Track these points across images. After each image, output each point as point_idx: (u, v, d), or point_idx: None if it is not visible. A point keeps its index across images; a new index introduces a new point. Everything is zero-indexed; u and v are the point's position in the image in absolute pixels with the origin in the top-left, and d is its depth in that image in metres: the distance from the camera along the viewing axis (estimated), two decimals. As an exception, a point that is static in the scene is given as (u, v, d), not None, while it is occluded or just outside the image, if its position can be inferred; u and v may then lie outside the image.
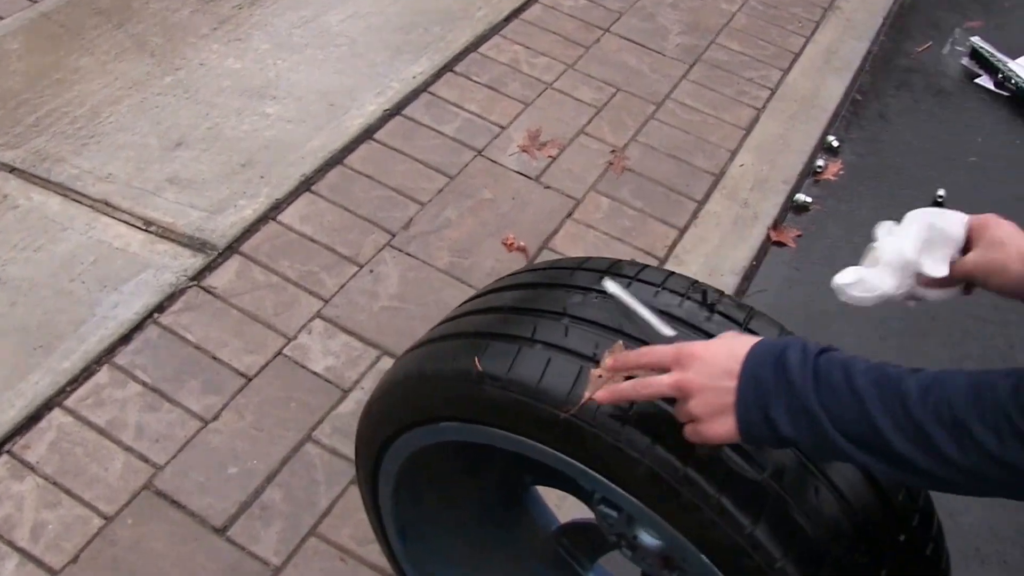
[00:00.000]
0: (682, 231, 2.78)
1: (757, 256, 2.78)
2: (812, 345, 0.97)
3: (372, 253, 2.53)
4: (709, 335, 1.23)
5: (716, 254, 2.74)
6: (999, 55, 3.55)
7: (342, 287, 2.43)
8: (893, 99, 3.56)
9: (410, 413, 1.35)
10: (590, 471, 1.17)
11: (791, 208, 2.98)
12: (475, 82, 3.12)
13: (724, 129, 3.14)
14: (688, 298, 1.27)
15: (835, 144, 3.19)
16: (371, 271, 2.48)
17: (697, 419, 1.00)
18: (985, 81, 3.55)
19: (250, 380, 2.18)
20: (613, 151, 2.97)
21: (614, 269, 1.34)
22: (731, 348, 1.00)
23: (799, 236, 2.89)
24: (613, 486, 1.16)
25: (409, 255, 2.54)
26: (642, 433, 1.12)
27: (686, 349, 1.02)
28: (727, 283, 2.67)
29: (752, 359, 0.97)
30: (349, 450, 2.05)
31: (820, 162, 3.11)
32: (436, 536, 1.69)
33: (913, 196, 3.09)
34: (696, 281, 1.31)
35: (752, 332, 1.25)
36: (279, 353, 2.25)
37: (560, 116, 3.06)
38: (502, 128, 2.98)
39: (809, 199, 2.98)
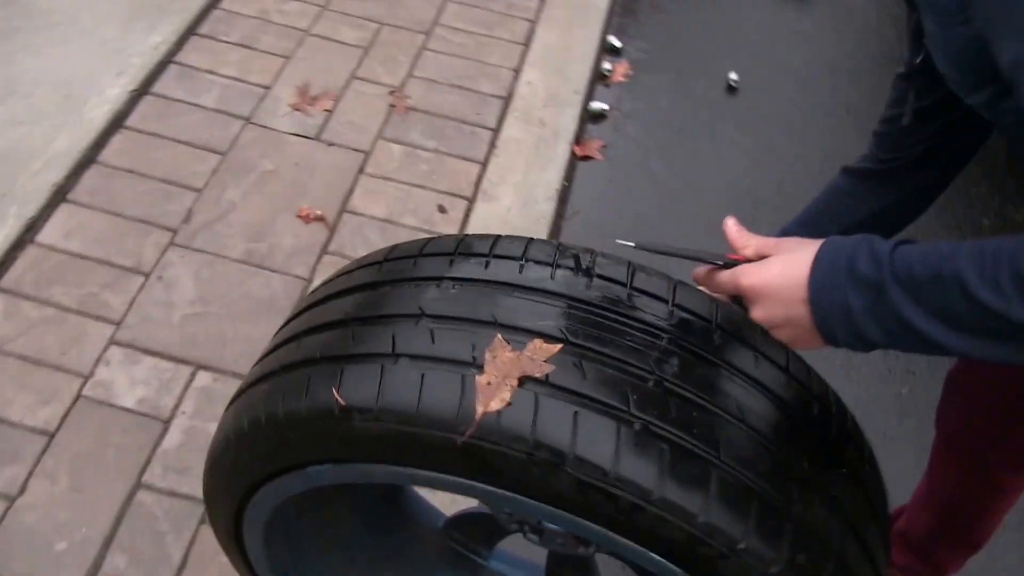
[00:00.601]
0: (484, 164, 2.65)
1: (567, 175, 2.68)
2: (880, 244, 0.88)
3: (156, 257, 2.27)
4: (595, 306, 1.10)
5: (525, 182, 2.62)
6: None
7: (132, 304, 2.17)
8: (658, -15, 3.52)
9: (267, 464, 1.17)
10: (502, 492, 1.03)
11: (588, 119, 2.88)
12: (225, 42, 2.84)
13: (502, 47, 3.00)
14: (558, 267, 1.14)
15: (617, 44, 3.12)
16: (160, 278, 2.22)
17: (788, 342, 0.98)
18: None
19: (52, 436, 1.92)
20: (392, 92, 2.78)
21: (462, 249, 1.19)
22: (790, 274, 0.94)
23: (604, 147, 2.81)
24: (533, 503, 1.02)
25: (198, 251, 2.30)
26: (556, 437, 0.99)
27: (744, 284, 0.98)
28: (543, 210, 2.56)
29: (819, 279, 0.91)
30: (189, 487, 1.83)
31: (607, 65, 3.03)
32: (321, 565, 1.52)
33: (706, 84, 3.07)
34: (560, 244, 1.18)
35: (637, 291, 1.13)
36: (79, 396, 1.98)
37: (327, 64, 2.83)
38: (267, 88, 2.73)
39: (605, 106, 2.90)
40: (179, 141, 2.54)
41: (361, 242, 2.36)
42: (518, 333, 1.06)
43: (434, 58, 2.92)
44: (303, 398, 1.09)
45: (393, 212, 2.47)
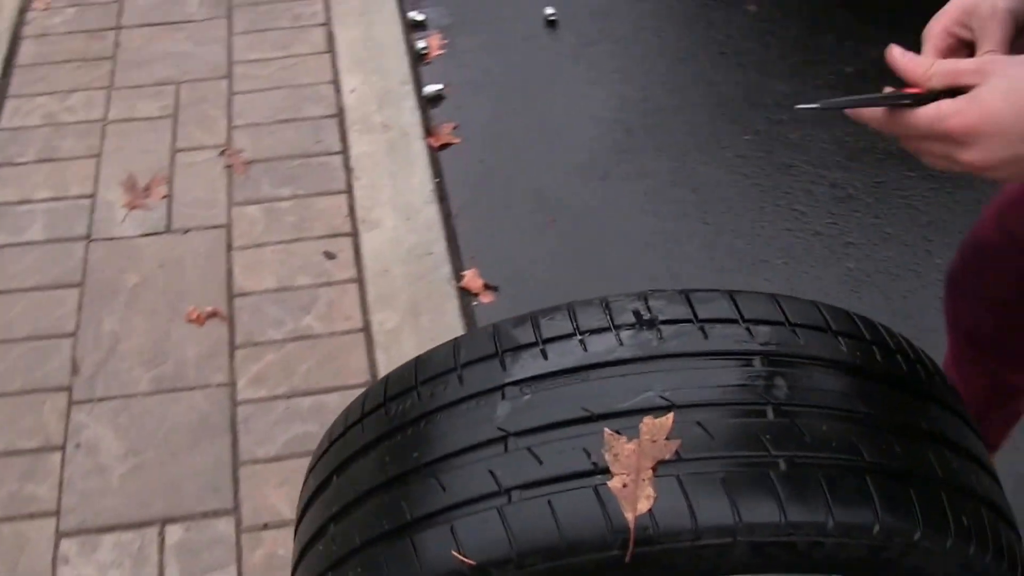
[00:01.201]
0: (348, 192, 2.52)
1: (435, 171, 2.57)
2: None
3: (63, 425, 2.06)
4: (677, 356, 1.03)
5: (398, 195, 2.50)
6: None
7: (61, 485, 1.97)
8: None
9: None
10: None
11: (427, 105, 2.76)
12: (23, 164, 2.58)
13: (309, 63, 2.84)
14: (620, 328, 1.05)
15: (420, 17, 3.00)
16: (77, 446, 2.02)
17: (986, 176, 0.82)
18: None
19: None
20: (222, 151, 2.59)
21: (505, 344, 1.08)
22: (1019, 103, 0.77)
23: (456, 127, 2.70)
24: None
25: (103, 400, 2.10)
26: (716, 514, 0.92)
27: (956, 126, 0.79)
28: (428, 216, 2.46)
29: None
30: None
31: (420, 44, 2.90)
32: None
33: (524, 27, 2.99)
34: (606, 301, 1.09)
35: (707, 321, 1.06)
36: (56, 613, 1.78)
37: (141, 147, 2.61)
38: (91, 197, 2.50)
39: (438, 85, 2.79)
40: (24, 289, 2.30)
41: (267, 322, 2.21)
42: (621, 418, 0.98)
43: (247, 100, 2.73)
44: (416, 567, 0.97)
45: (283, 278, 2.31)
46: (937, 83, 0.83)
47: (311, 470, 1.23)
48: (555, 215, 2.50)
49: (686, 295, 1.08)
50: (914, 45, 0.93)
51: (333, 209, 2.47)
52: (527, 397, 1.01)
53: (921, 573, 0.98)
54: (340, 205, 2.49)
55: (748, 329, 1.06)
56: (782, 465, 0.95)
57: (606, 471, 0.94)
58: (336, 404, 2.10)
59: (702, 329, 1.05)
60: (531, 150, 2.66)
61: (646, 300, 1.07)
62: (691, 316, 1.06)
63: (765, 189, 2.54)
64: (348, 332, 2.23)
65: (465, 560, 0.93)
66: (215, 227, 2.42)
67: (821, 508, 0.93)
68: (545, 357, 1.04)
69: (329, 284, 2.32)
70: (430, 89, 2.77)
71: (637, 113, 2.74)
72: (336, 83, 2.79)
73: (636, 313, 1.05)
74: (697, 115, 2.74)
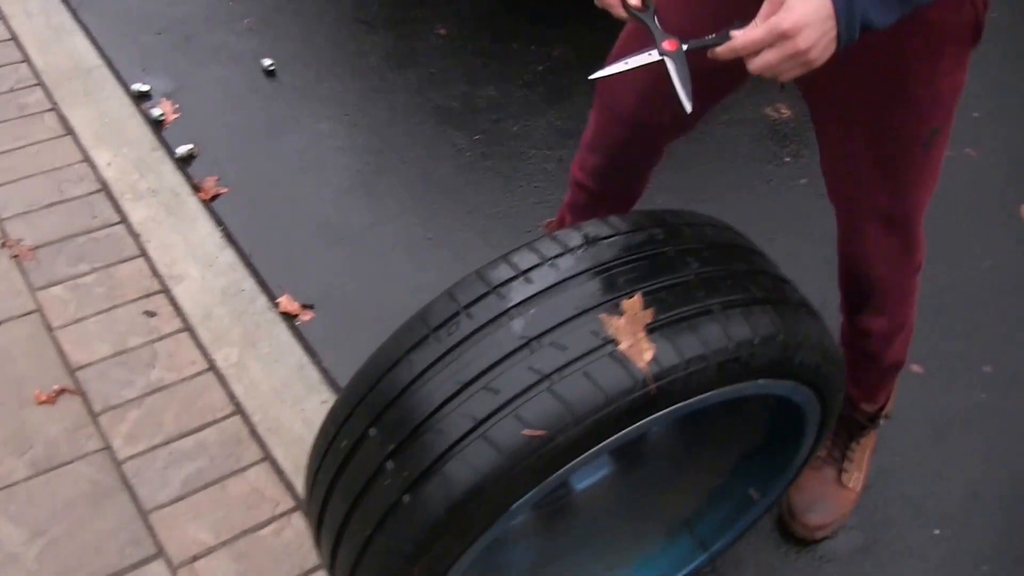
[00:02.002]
0: (144, 254, 2.68)
1: (216, 221, 2.79)
2: None
3: (-46, 527, 2.10)
4: (618, 260, 1.41)
5: (193, 249, 2.71)
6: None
7: (-20, 580, 2.02)
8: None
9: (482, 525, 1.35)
10: (683, 405, 1.34)
11: (185, 165, 2.96)
12: None
13: (53, 148, 2.95)
14: (571, 251, 1.43)
15: (144, 88, 3.16)
16: (-22, 541, 2.08)
17: (809, 61, 1.19)
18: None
19: None
20: (2, 243, 2.65)
21: (494, 282, 1.41)
22: (809, 10, 1.15)
23: (219, 179, 2.92)
24: (712, 394, 1.35)
25: (-15, 494, 2.15)
26: (692, 348, 1.32)
27: (787, 24, 1.15)
28: (227, 259, 2.70)
29: (840, 11, 1.16)
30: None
31: (155, 112, 3.08)
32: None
33: (245, 77, 3.23)
34: (556, 235, 1.45)
35: (628, 233, 1.46)
36: None
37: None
38: None
39: (189, 146, 2.98)
40: None
41: (118, 385, 2.36)
42: (606, 306, 1.35)
43: (6, 192, 2.80)
44: (496, 454, 1.29)
45: (115, 343, 2.46)
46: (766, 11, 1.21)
47: (324, 451, 1.45)
48: (338, 234, 2.82)
49: (605, 221, 1.48)
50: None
51: (136, 273, 2.63)
52: (532, 311, 1.35)
53: (807, 362, 1.44)
54: (141, 268, 2.64)
55: (651, 235, 1.47)
56: (715, 309, 1.38)
57: (614, 341, 1.31)
58: (215, 437, 2.30)
59: (627, 238, 1.46)
60: (296, 184, 2.94)
61: (581, 229, 1.46)
62: (615, 231, 1.46)
63: (508, 176, 3.01)
64: (198, 374, 2.43)
65: (536, 433, 1.27)
66: (27, 314, 2.50)
67: (747, 329, 1.38)
68: (531, 282, 1.39)
69: (161, 338, 2.49)
70: (182, 150, 2.97)
71: (376, 137, 3.11)
72: (88, 160, 2.91)
73: (585, 237, 1.43)
74: (428, 129, 3.16)
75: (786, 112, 3.37)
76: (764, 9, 1.21)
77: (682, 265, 1.43)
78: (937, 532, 2.30)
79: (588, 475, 1.99)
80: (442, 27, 3.53)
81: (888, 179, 1.64)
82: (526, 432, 1.27)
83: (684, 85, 1.26)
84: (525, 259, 1.41)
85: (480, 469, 1.26)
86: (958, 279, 2.94)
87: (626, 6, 1.32)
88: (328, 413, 1.45)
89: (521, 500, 1.32)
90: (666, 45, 1.26)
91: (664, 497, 1.99)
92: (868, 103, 1.55)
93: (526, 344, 1.32)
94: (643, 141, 1.88)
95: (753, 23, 1.21)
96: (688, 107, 1.26)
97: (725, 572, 2.16)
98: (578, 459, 1.31)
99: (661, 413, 1.33)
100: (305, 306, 2.62)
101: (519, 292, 1.35)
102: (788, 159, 3.22)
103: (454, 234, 2.85)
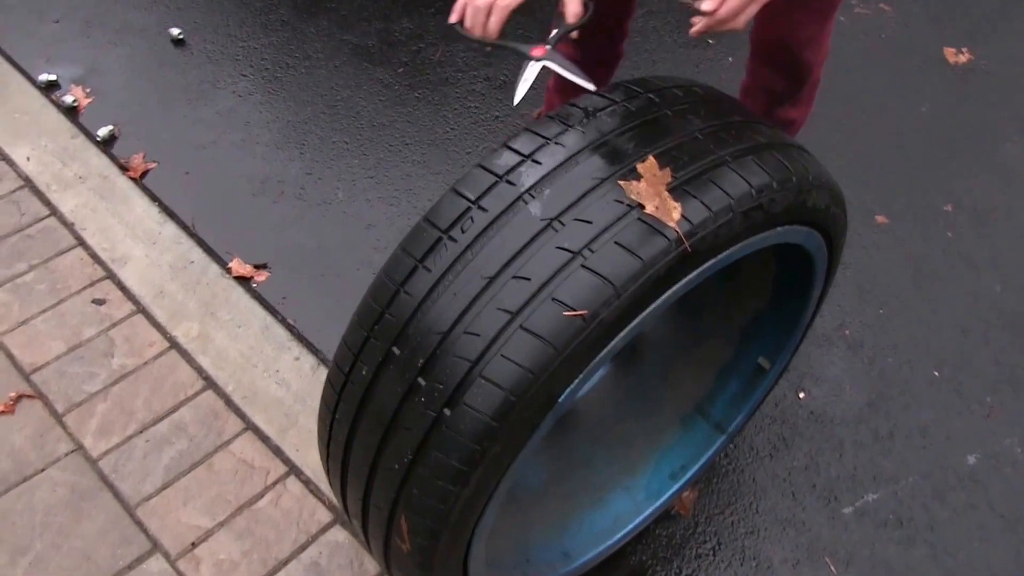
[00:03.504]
0: (82, 243, 2.36)
1: (151, 198, 2.48)
2: None
3: (-72, 561, 1.80)
4: (622, 128, 1.18)
5: (132, 228, 2.40)
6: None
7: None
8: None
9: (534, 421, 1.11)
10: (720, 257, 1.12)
11: (108, 147, 2.62)
12: None
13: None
14: (574, 126, 1.19)
15: (52, 78, 2.80)
16: (-43, 570, 1.79)
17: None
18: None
19: None
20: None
21: (503, 172, 1.17)
22: None
23: (144, 154, 2.60)
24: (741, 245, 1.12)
25: (-45, 519, 1.86)
26: (717, 199, 1.10)
27: None
28: (170, 233, 2.39)
29: None
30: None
31: (67, 99, 2.72)
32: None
33: (153, 49, 2.89)
34: (554, 114, 1.21)
35: (623, 102, 1.22)
36: None
37: None
38: None
39: (108, 127, 2.64)
40: None
41: (79, 381, 2.07)
42: (621, 172, 1.12)
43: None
44: (539, 343, 1.04)
45: (68, 338, 2.15)
46: None
47: (347, 375, 1.20)
48: (280, 188, 2.51)
49: (598, 94, 1.23)
50: None
51: (76, 263, 2.31)
52: (547, 191, 1.12)
53: (818, 204, 1.22)
54: (81, 257, 2.33)
55: (647, 99, 1.24)
56: (728, 158, 1.15)
57: (638, 205, 1.08)
58: (191, 416, 2.02)
59: (624, 106, 1.21)
60: (226, 147, 2.63)
61: (577, 104, 1.21)
62: (612, 101, 1.22)
63: (438, 103, 2.73)
64: (160, 355, 2.14)
65: (577, 313, 1.03)
66: (-33, 327, 2.18)
67: (763, 173, 1.15)
68: (539, 163, 1.14)
69: (115, 325, 2.19)
70: (103, 132, 2.63)
71: (298, 87, 2.79)
72: (5, 158, 2.56)
73: (584, 111, 1.19)
74: (350, 70, 2.86)
75: (703, -5, 3.10)
76: (571, 8, 1.27)
77: (685, 123, 1.22)
78: (937, 374, 2.12)
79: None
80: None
81: None
82: (567, 314, 1.04)
83: (575, 73, 1.28)
84: (528, 143, 1.19)
85: (524, 363, 1.05)
86: (901, 128, 2.74)
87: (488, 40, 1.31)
88: (339, 346, 1.21)
89: (569, 389, 1.11)
90: (536, 52, 1.29)
91: (670, 386, 1.77)
92: None
93: (548, 225, 1.11)
94: None
95: None
96: (591, 87, 1.25)
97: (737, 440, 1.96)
98: (622, 334, 1.11)
99: (696, 272, 1.14)
100: (258, 267, 2.33)
101: (529, 175, 1.14)
102: (711, 40, 2.97)
103: (395, 168, 2.56)
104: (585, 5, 1.28)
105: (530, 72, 1.26)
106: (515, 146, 1.17)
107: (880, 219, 2.46)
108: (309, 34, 2.99)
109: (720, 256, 1.15)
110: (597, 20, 1.43)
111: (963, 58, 2.96)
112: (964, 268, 2.36)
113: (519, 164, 1.15)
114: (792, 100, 1.95)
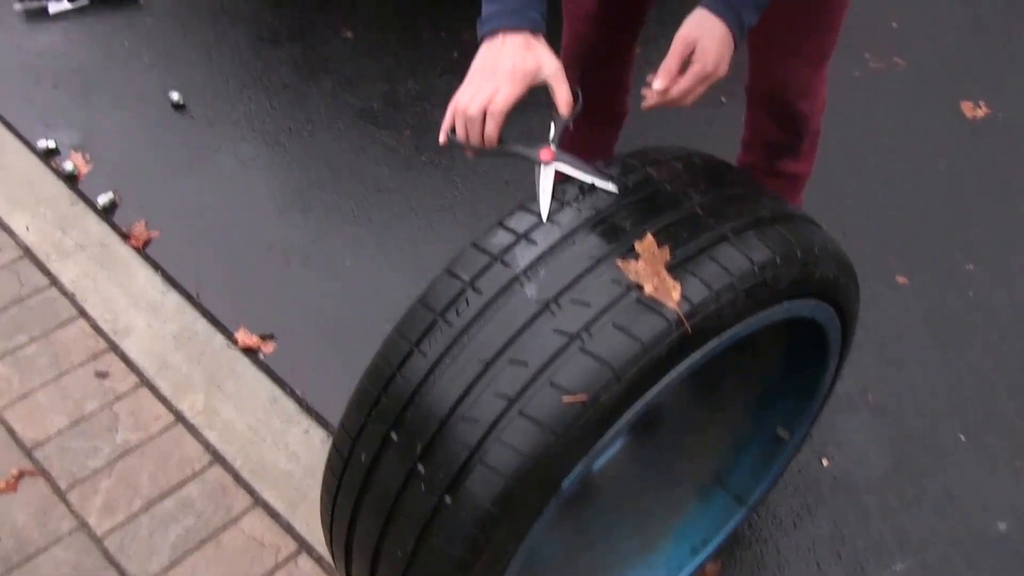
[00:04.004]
0: (83, 314, 2.43)
1: (154, 266, 2.56)
2: None
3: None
4: (624, 207, 1.24)
5: (135, 299, 2.47)
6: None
7: None
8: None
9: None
10: (723, 336, 1.17)
11: (108, 214, 2.70)
12: None
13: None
14: (569, 203, 1.26)
15: (51, 145, 2.89)
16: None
17: (721, 77, 1.37)
18: (58, 5, 3.36)
19: None
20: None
21: (497, 253, 1.23)
22: (719, 34, 1.35)
23: (147, 223, 2.68)
24: (742, 325, 1.19)
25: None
26: (718, 278, 1.16)
27: (704, 72, 1.35)
28: (173, 303, 2.46)
29: (734, 25, 1.36)
30: None
31: (66, 165, 2.81)
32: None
33: (153, 113, 2.99)
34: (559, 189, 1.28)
35: (620, 178, 1.29)
36: None
37: None
38: None
39: (108, 194, 2.73)
40: None
41: (82, 456, 2.12)
42: (618, 252, 1.18)
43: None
44: (538, 430, 1.10)
45: (71, 412, 2.21)
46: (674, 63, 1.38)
47: (345, 459, 1.27)
48: (285, 255, 2.59)
49: (600, 166, 1.31)
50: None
51: (78, 334, 2.38)
52: (542, 273, 1.18)
53: (825, 276, 1.29)
54: (83, 328, 2.40)
55: (645, 174, 1.31)
56: (729, 234, 1.22)
57: (637, 286, 1.15)
58: (198, 491, 2.07)
59: (621, 181, 1.28)
60: (229, 213, 2.71)
61: (577, 185, 1.28)
62: (612, 177, 1.28)
63: (446, 166, 2.82)
64: (165, 429, 2.19)
65: (576, 398, 1.10)
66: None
67: (765, 248, 1.22)
68: (534, 243, 1.21)
69: (119, 398, 2.25)
70: (103, 199, 2.72)
71: (301, 150, 2.89)
72: (4, 228, 2.64)
73: (579, 187, 1.26)
74: (354, 133, 2.95)
75: (712, 52, 3.22)
76: (676, 51, 1.37)
77: (684, 198, 1.28)
78: (963, 437, 2.17)
79: (603, 452, 1.80)
80: (348, 30, 3.31)
81: (818, 17, 1.80)
82: (566, 399, 1.09)
83: (589, 172, 1.28)
84: (522, 221, 1.24)
85: (524, 449, 1.09)
86: (919, 184, 2.82)
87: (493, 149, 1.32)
88: (338, 430, 1.26)
89: (571, 474, 1.15)
90: (543, 155, 1.30)
91: (687, 457, 1.82)
92: None
93: (545, 307, 1.16)
94: (610, 39, 1.96)
95: (665, 67, 1.36)
96: (611, 188, 1.28)
97: (760, 509, 2.00)
98: (624, 417, 1.15)
99: (700, 352, 1.17)
100: (265, 337, 2.39)
101: (524, 256, 1.18)
102: (723, 99, 3.07)
103: (403, 234, 2.65)
104: (575, 93, 1.32)
105: (545, 180, 1.27)
106: (510, 224, 1.22)
107: (900, 279, 2.53)
108: (312, 96, 3.09)
109: (724, 335, 1.18)
110: (593, 102, 1.50)
111: (980, 112, 3.05)
112: (987, 327, 2.42)
113: (514, 244, 1.20)
114: (793, 153, 2.02)
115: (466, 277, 1.20)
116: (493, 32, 1.34)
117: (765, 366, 1.67)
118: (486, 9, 1.36)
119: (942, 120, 3.04)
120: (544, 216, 1.22)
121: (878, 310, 2.44)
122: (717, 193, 1.31)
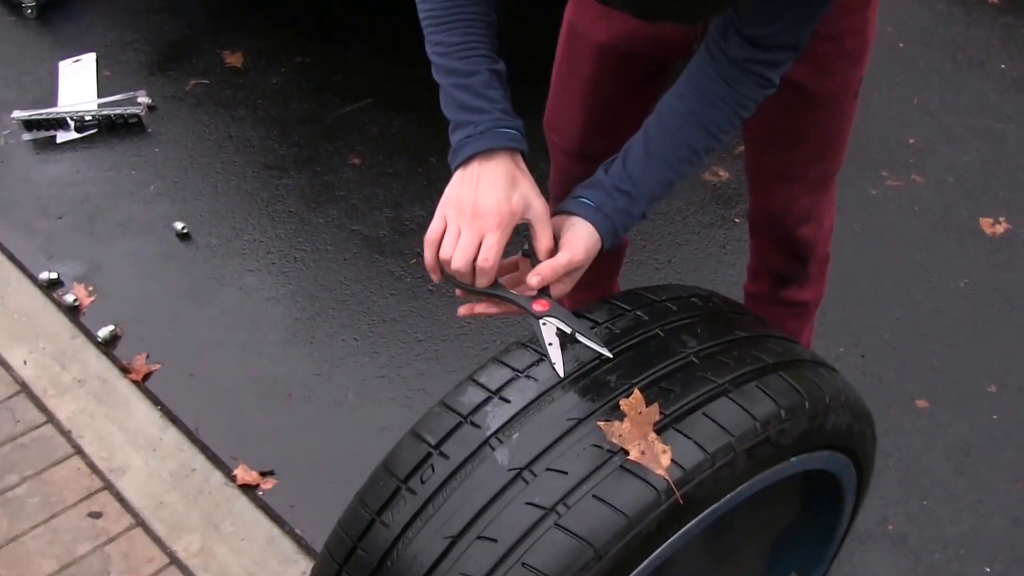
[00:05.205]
0: (79, 452, 2.48)
1: (153, 401, 2.61)
2: (616, 197, 1.32)
3: None
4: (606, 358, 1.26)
5: (132, 436, 2.53)
6: (48, 109, 3.53)
7: None
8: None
9: None
10: (719, 504, 1.18)
11: (109, 348, 2.77)
12: None
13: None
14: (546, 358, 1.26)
15: (53, 276, 2.99)
16: None
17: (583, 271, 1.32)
18: (66, 135, 3.52)
19: None
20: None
21: (468, 414, 1.22)
22: (590, 240, 1.30)
23: (148, 356, 2.75)
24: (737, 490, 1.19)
25: None
26: (715, 440, 1.17)
27: (573, 263, 1.28)
28: (172, 439, 2.51)
29: (607, 234, 1.31)
30: None
31: (68, 298, 2.91)
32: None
33: (158, 244, 3.09)
34: (523, 341, 1.28)
35: (607, 326, 1.31)
36: None
37: None
38: None
39: (110, 327, 2.81)
40: None
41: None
42: (601, 412, 1.18)
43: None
44: None
45: (61, 556, 2.25)
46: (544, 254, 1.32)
47: None
48: (288, 389, 2.65)
49: (582, 316, 1.33)
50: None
51: (73, 474, 2.43)
52: (515, 435, 1.16)
53: (838, 426, 1.29)
54: (77, 467, 2.45)
55: (635, 319, 1.32)
56: (728, 386, 1.22)
57: (621, 451, 1.13)
58: (190, 638, 2.08)
59: (608, 328, 1.30)
60: (231, 346, 2.78)
61: (567, 336, 1.28)
62: (593, 324, 1.30)
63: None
64: (159, 572, 2.22)
65: None
66: (-43, 547, 2.28)
67: (769, 401, 1.22)
68: (507, 401, 1.20)
69: (111, 540, 2.29)
70: (103, 333, 2.80)
71: (306, 281, 2.97)
72: (2, 362, 2.72)
73: (560, 335, 1.26)
74: (360, 262, 3.04)
75: (724, 174, 3.31)
76: (543, 244, 1.30)
77: (678, 345, 1.27)
78: (988, 569, 2.16)
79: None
80: (355, 157, 3.44)
81: (822, 140, 1.75)
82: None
83: (582, 332, 1.24)
84: (495, 376, 1.23)
85: None
86: (939, 304, 2.86)
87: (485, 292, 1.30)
88: None
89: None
90: (537, 308, 1.26)
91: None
92: (808, 73, 1.55)
93: (517, 476, 1.13)
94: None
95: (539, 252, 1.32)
96: (605, 353, 1.23)
97: None
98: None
99: (694, 522, 1.16)
100: (264, 473, 2.43)
101: (496, 416, 1.16)
102: (737, 220, 3.14)
103: (408, 366, 2.70)
104: (555, 238, 1.30)
105: (548, 335, 1.22)
106: (481, 380, 1.20)
107: (920, 403, 2.54)
108: (317, 225, 3.20)
109: (722, 501, 1.15)
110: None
111: (1000, 228, 3.11)
112: (1012, 453, 2.42)
113: (485, 402, 1.17)
114: (799, 281, 2.01)
115: (432, 440, 1.17)
116: (467, 161, 1.28)
117: (777, 512, 1.66)
118: (455, 138, 1.30)
119: (962, 237, 3.09)
120: (561, 373, 1.19)
121: (898, 436, 2.45)
122: (717, 339, 1.27)
